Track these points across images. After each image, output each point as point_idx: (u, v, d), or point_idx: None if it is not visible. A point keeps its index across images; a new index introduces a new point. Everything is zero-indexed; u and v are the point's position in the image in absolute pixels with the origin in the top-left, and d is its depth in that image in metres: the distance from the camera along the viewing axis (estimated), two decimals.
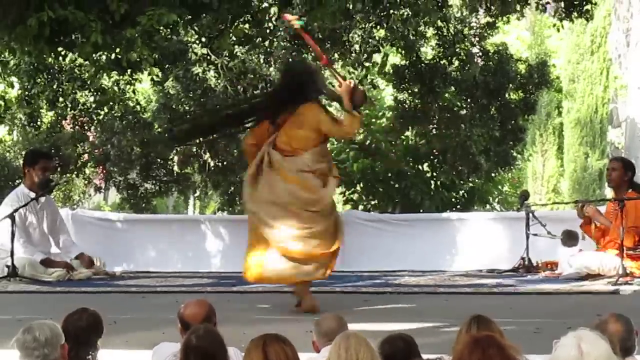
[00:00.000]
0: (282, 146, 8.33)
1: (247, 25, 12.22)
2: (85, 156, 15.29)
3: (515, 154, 16.29)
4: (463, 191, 16.51)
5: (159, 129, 14.83)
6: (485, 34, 14.85)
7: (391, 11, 13.33)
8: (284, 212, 8.21)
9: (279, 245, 8.14)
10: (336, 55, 14.30)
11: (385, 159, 15.89)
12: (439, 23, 14.44)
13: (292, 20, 9.13)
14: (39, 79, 13.98)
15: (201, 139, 12.10)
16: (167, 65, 13.70)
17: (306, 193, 8.24)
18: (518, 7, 13.84)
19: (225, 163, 15.32)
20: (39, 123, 14.79)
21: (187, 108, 14.33)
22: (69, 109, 14.69)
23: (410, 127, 15.61)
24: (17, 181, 13.10)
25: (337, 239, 8.31)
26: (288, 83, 8.72)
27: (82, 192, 17.22)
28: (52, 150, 14.48)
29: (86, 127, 15.17)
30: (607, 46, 25.90)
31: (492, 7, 14.03)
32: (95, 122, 14.97)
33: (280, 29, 13.29)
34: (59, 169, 14.85)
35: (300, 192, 8.23)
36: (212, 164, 15.27)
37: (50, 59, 12.90)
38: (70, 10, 8.79)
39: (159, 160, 15.36)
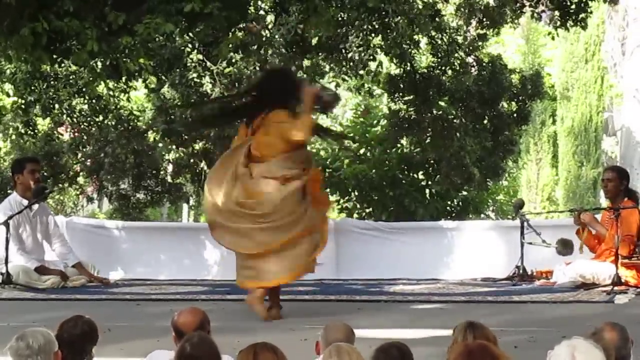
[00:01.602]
0: (254, 152, 8.37)
1: (241, 33, 12.19)
2: (78, 166, 15.23)
3: (506, 163, 16.25)
4: (457, 200, 16.49)
5: (156, 136, 14.81)
6: (477, 45, 14.81)
7: (386, 19, 13.32)
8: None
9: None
10: (327, 67, 14.30)
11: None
12: (433, 33, 14.42)
13: None
14: (34, 87, 13.94)
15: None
16: (160, 74, 13.68)
17: (249, 199, 8.26)
18: (513, 16, 13.85)
19: None
20: (34, 131, 14.74)
21: (181, 113, 14.31)
22: (65, 117, 14.65)
23: (404, 136, 15.60)
24: (10, 191, 13.05)
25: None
26: (266, 85, 8.71)
27: (75, 203, 17.15)
28: (47, 159, 14.44)
29: (83, 135, 15.12)
30: (601, 54, 25.86)
31: (485, 18, 14.03)
32: (92, 129, 14.92)
33: (276, 36, 13.27)
34: (52, 178, 14.80)
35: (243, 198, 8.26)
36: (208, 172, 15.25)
37: (47, 67, 12.87)
38: (65, 22, 8.77)
39: (151, 170, 15.32)
